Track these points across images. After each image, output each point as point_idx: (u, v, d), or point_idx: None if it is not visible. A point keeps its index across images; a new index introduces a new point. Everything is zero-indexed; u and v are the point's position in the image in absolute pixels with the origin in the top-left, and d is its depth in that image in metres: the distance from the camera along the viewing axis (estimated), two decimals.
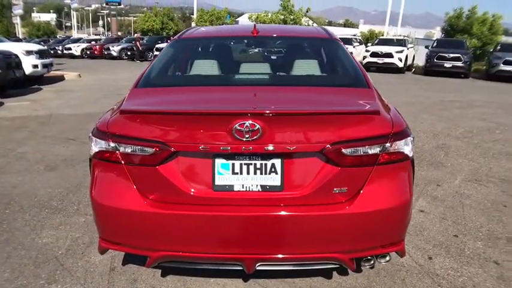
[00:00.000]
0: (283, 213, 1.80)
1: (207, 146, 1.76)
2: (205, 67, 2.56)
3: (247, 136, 1.72)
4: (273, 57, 3.16)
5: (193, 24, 38.99)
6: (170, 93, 2.22)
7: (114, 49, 25.35)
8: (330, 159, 1.79)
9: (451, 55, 15.87)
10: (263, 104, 1.87)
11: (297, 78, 2.56)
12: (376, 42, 18.95)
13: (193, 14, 37.06)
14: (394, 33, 25.41)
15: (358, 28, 46.26)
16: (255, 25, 2.74)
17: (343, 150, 1.77)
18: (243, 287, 2.32)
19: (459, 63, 15.76)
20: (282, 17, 24.74)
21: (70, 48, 26.85)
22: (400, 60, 16.86)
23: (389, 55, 16.65)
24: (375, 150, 1.81)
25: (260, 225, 1.82)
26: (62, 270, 2.44)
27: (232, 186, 1.83)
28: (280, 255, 1.87)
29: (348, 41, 19.42)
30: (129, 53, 24.38)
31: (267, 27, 2.98)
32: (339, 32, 21.21)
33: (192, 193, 1.83)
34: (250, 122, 1.71)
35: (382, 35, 26.36)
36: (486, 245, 2.88)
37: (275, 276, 2.36)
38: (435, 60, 16.13)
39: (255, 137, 1.72)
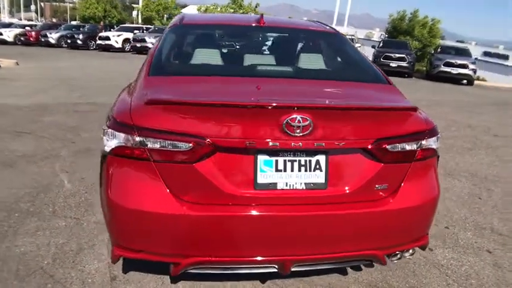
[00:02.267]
0: (327, 211, 1.71)
1: (254, 142, 1.61)
2: (218, 56, 2.35)
3: (297, 131, 1.60)
4: (284, 49, 3.02)
5: (134, 14, 37.08)
6: (196, 82, 2.00)
7: (53, 36, 23.38)
8: (373, 156, 1.74)
9: (397, 55, 16.78)
10: (309, 98, 1.77)
11: (322, 72, 2.46)
12: None
13: (134, 3, 35.43)
14: (342, 32, 26.33)
15: None
16: (262, 15, 2.61)
17: (386, 146, 1.73)
18: None
19: (404, 63, 16.71)
20: (232, 10, 24.57)
21: (1, 33, 24.24)
22: None
23: None
24: (413, 146, 1.80)
25: (303, 224, 1.72)
26: (53, 283, 2.13)
27: (275, 184, 1.69)
28: (319, 255, 1.79)
29: None
30: (69, 41, 22.62)
31: (271, 19, 2.84)
32: None
33: (231, 192, 1.66)
34: (302, 116, 1.59)
35: None
36: (475, 235, 3.04)
37: (295, 276, 2.27)
38: (382, 60, 16.90)
39: (306, 133, 1.62)
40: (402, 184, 1.83)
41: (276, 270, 1.79)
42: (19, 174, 3.58)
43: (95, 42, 22.49)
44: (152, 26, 26.00)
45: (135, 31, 23.30)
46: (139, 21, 31.88)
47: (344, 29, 27.57)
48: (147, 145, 1.62)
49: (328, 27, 2.92)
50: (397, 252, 1.98)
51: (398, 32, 23.09)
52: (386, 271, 2.45)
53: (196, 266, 1.74)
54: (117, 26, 26.28)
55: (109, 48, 21.58)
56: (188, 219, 1.65)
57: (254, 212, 1.66)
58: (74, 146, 4.41)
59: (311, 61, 2.48)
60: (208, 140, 1.59)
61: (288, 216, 1.69)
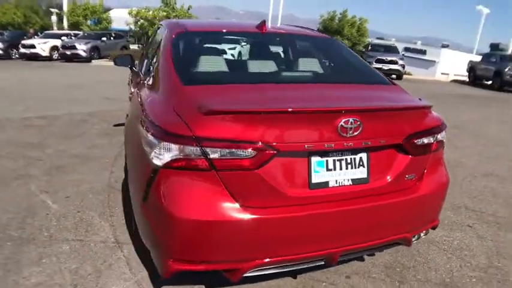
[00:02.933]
0: (370, 203, 1.87)
1: (312, 144, 1.71)
2: (239, 63, 2.44)
3: (350, 132, 1.74)
4: (292, 55, 3.09)
5: (53, 19, 34.29)
6: (237, 91, 2.02)
7: None
8: (404, 150, 1.95)
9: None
10: (351, 101, 1.93)
11: (341, 76, 2.61)
12: None
13: (51, 7, 33.04)
14: None
15: None
16: (264, 21, 2.69)
17: (415, 141, 1.94)
18: (295, 283, 2.30)
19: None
20: (165, 13, 24.12)
21: None
22: None
23: None
24: (431, 139, 2.04)
25: (351, 217, 1.86)
26: None
27: (327, 182, 1.82)
28: (362, 244, 1.94)
29: None
30: None
31: (271, 26, 2.92)
32: None
33: (290, 194, 1.74)
34: (354, 118, 1.73)
35: None
36: (454, 214, 3.42)
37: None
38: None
39: (356, 133, 1.76)
40: (424, 173, 2.07)
41: (323, 263, 1.91)
42: None
43: (18, 50, 20.59)
44: (81, 32, 24.44)
45: (63, 38, 21.74)
46: (65, 26, 29.74)
47: None
48: (208, 155, 1.63)
49: (322, 34, 3.11)
50: (419, 234, 2.20)
51: (330, 32, 24.38)
52: (394, 253, 2.69)
53: (256, 269, 1.78)
54: (41, 33, 24.28)
55: (35, 57, 19.88)
56: (252, 223, 1.70)
57: (310, 211, 1.76)
58: (43, 164, 4.08)
59: (325, 66, 2.64)
60: (270, 145, 1.65)
61: (339, 211, 1.81)
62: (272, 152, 1.67)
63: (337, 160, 1.83)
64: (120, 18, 28.74)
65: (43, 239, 2.66)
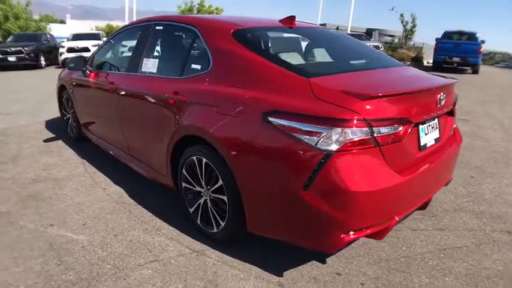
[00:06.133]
0: (444, 156, 2.44)
1: (424, 115, 2.17)
2: (319, 54, 2.70)
3: (442, 103, 2.29)
4: (333, 45, 3.15)
5: None
6: (353, 78, 2.25)
7: None
8: (451, 114, 2.61)
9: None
10: (431, 81, 2.44)
11: (387, 61, 2.89)
12: (71, 37, 17.64)
13: None
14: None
15: (65, 24, 42.48)
16: (294, 16, 2.80)
17: (455, 106, 2.62)
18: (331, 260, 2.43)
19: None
20: (1, 12, 20.39)
21: None
22: None
23: (86, 49, 16.03)
24: (456, 105, 2.70)
25: (438, 168, 2.39)
26: None
27: (426, 144, 2.27)
28: (438, 188, 2.57)
29: (95, 36, 18.12)
30: None
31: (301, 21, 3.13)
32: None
33: (416, 156, 2.16)
34: (443, 92, 2.25)
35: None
36: None
37: None
38: None
39: (442, 104, 2.30)
40: (453, 130, 2.74)
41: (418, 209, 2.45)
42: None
43: None
44: None
45: None
46: None
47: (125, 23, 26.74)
48: (374, 133, 1.86)
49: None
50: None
51: None
52: None
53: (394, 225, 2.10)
54: None
55: None
56: (403, 184, 2.00)
57: (424, 167, 2.20)
58: (12, 195, 3.23)
59: (366, 53, 2.94)
60: (410, 120, 2.04)
61: (434, 165, 2.30)
62: (410, 124, 2.04)
63: (428, 126, 2.30)
64: None
65: (111, 273, 2.25)
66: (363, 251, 2.50)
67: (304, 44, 2.96)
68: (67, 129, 4.90)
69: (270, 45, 2.72)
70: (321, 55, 2.79)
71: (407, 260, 2.43)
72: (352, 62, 2.64)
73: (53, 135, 5.09)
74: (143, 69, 3.09)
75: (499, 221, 2.98)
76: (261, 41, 2.62)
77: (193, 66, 2.62)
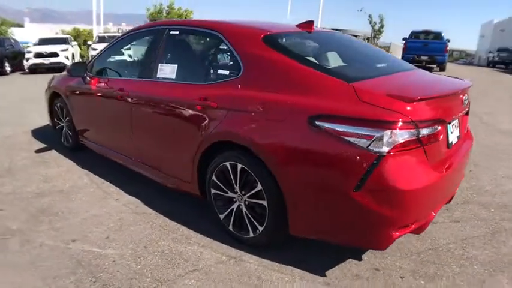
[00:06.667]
0: (465, 151, 2.63)
1: (454, 115, 2.36)
2: (330, 59, 2.71)
3: (465, 103, 2.52)
4: (347, 49, 3.17)
5: None
6: (390, 81, 2.35)
7: None
8: (466, 113, 2.72)
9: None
10: (460, 82, 2.57)
11: (401, 64, 2.97)
12: (37, 42, 17.02)
13: None
14: (101, 31, 24.83)
15: (23, 27, 40.77)
16: (313, 21, 2.82)
17: (470, 106, 2.76)
18: (367, 256, 2.65)
19: None
20: None
21: None
22: (67, 58, 15.90)
23: (55, 54, 15.52)
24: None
25: (461, 164, 2.52)
26: None
27: (452, 142, 2.38)
28: (458, 186, 2.78)
29: (64, 40, 17.46)
30: None
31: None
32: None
33: (446, 154, 2.28)
34: (466, 94, 2.44)
35: (89, 34, 25.31)
36: None
37: None
38: None
39: (465, 104, 2.52)
40: (467, 128, 2.91)
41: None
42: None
43: None
44: None
45: None
46: None
47: (101, 28, 25.98)
48: (419, 134, 1.95)
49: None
50: None
51: None
52: None
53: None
54: None
55: None
56: (441, 181, 2.12)
57: (453, 163, 2.34)
58: (19, 212, 3.05)
59: (384, 57, 3.05)
60: (444, 120, 2.17)
61: (459, 161, 2.44)
62: (445, 124, 2.20)
63: (453, 125, 2.42)
64: None
65: (153, 286, 2.19)
66: (394, 246, 2.57)
67: (328, 49, 2.99)
68: (61, 138, 4.69)
69: (301, 50, 2.74)
70: (348, 59, 2.82)
71: (436, 251, 2.53)
72: (377, 65, 2.71)
73: (44, 145, 4.85)
74: (158, 75, 3.02)
75: (505, 210, 3.17)
76: (292, 46, 2.62)
77: (220, 71, 2.60)
